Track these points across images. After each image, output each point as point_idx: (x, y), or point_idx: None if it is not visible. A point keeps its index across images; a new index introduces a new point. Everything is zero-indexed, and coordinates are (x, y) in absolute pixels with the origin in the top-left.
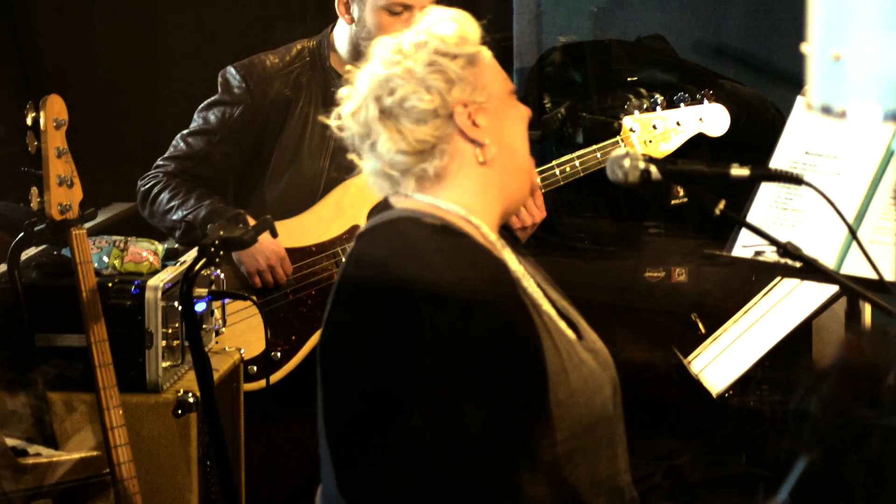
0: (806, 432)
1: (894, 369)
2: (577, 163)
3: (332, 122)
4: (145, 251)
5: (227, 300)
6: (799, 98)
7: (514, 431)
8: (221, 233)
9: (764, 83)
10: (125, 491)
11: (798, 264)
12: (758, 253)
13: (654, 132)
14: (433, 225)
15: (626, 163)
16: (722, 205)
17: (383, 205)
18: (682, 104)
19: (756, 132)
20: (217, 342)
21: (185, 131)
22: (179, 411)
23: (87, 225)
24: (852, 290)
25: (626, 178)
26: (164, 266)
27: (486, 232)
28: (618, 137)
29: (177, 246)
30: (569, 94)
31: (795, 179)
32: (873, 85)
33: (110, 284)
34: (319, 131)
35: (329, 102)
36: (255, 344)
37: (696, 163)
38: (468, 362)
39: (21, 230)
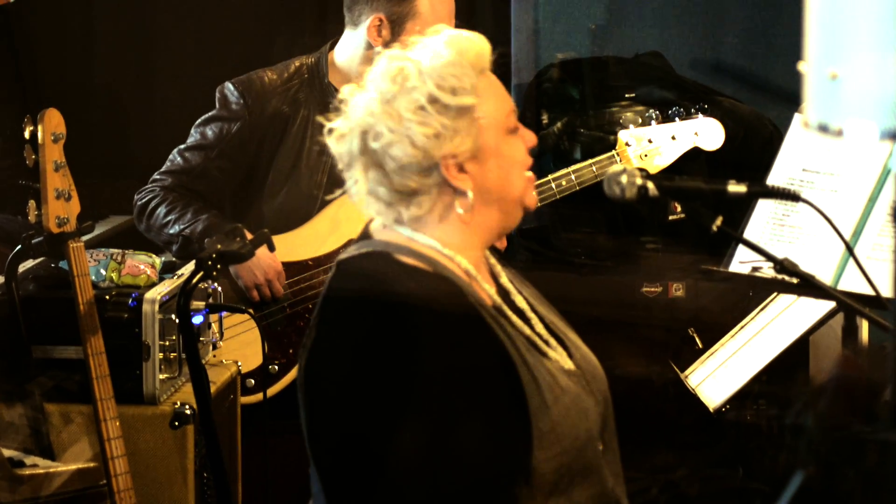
0: (803, 447)
1: (891, 384)
2: (572, 176)
3: (325, 136)
4: (142, 264)
5: (224, 313)
6: (796, 115)
7: (495, 459)
8: (219, 246)
9: (761, 100)
10: (122, 502)
11: (795, 280)
12: (755, 269)
13: (649, 146)
14: (402, 262)
15: (624, 179)
16: (719, 221)
17: (364, 233)
18: (677, 118)
19: (753, 149)
20: (214, 355)
21: (182, 146)
22: (176, 423)
23: (85, 238)
24: (849, 306)
25: (623, 195)
26: (161, 279)
27: (464, 266)
28: (613, 151)
29: (174, 259)
30: (566, 111)
31: (793, 196)
32: (870, 103)
33: (108, 297)
34: (317, 147)
35: (327, 118)
36: (253, 357)
37: (694, 179)
38: (442, 392)
39: (19, 243)
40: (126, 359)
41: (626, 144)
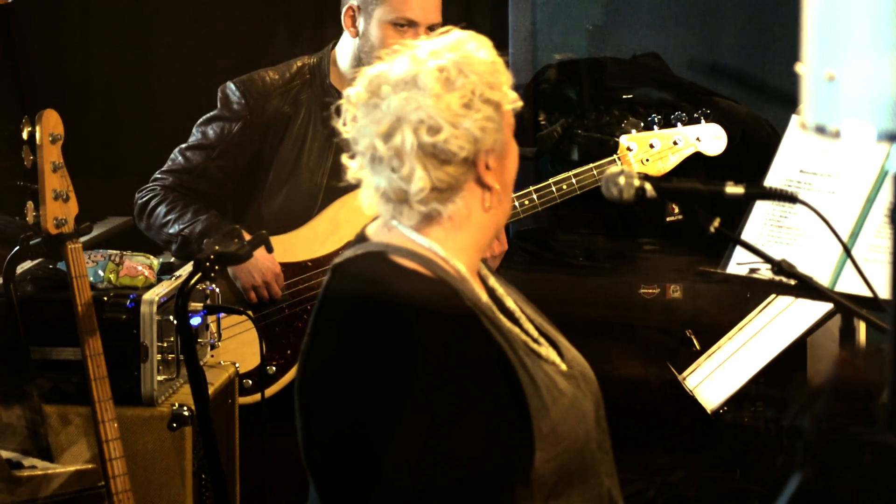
0: (800, 449)
1: (888, 386)
2: (573, 181)
3: (346, 130)
4: (140, 265)
5: (222, 314)
6: (794, 116)
7: (493, 461)
8: (217, 247)
9: (759, 101)
10: None
11: (793, 282)
12: (752, 270)
13: (651, 151)
14: (398, 263)
15: (622, 180)
16: (717, 222)
17: (360, 235)
18: (679, 123)
19: (751, 150)
20: (212, 356)
21: (183, 145)
22: (174, 424)
23: (83, 239)
24: (847, 307)
25: (621, 196)
26: (159, 280)
27: (458, 267)
28: (615, 156)
29: (172, 260)
30: (564, 112)
31: (790, 197)
32: (867, 105)
33: (106, 298)
34: (318, 148)
35: (328, 119)
36: (251, 358)
37: (691, 180)
38: (434, 393)
39: (17, 244)
40: (124, 360)
41: (628, 149)
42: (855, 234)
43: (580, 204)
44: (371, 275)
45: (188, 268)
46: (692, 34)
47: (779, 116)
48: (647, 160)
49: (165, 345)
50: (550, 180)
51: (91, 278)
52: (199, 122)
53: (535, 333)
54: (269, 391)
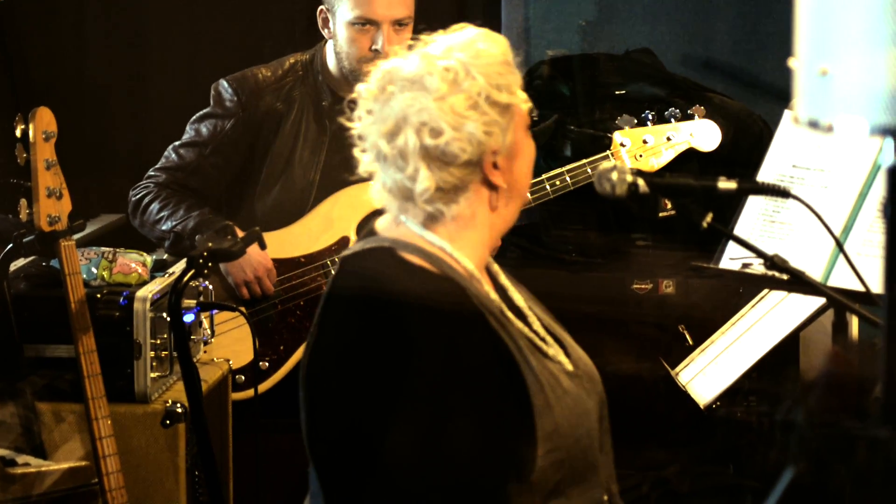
0: (793, 443)
1: (881, 380)
2: (567, 177)
3: (355, 126)
4: (134, 262)
5: (215, 311)
6: (786, 112)
7: (497, 458)
8: (210, 244)
9: (752, 97)
10: (114, 501)
11: (785, 277)
12: (745, 265)
13: (644, 147)
14: (405, 260)
15: (614, 176)
16: (709, 218)
17: (369, 230)
18: (672, 119)
19: (743, 146)
20: (205, 352)
21: (176, 143)
22: (168, 421)
23: (76, 236)
24: (839, 302)
25: (613, 191)
26: (152, 277)
27: (467, 266)
28: (608, 152)
29: (165, 257)
30: (557, 108)
31: (783, 192)
32: (860, 99)
33: (99, 296)
34: (310, 144)
35: (321, 116)
36: (244, 354)
37: (684, 176)
38: (442, 391)
39: (10, 241)
40: (117, 357)
41: (621, 145)
42: (847, 229)
43: (573, 199)
44: (379, 270)
45: (181, 265)
46: (685, 30)
47: (771, 112)
48: (641, 156)
49: (159, 342)
50: (543, 176)
51: (84, 276)
52: (192, 119)
53: (543, 332)
54: (263, 387)
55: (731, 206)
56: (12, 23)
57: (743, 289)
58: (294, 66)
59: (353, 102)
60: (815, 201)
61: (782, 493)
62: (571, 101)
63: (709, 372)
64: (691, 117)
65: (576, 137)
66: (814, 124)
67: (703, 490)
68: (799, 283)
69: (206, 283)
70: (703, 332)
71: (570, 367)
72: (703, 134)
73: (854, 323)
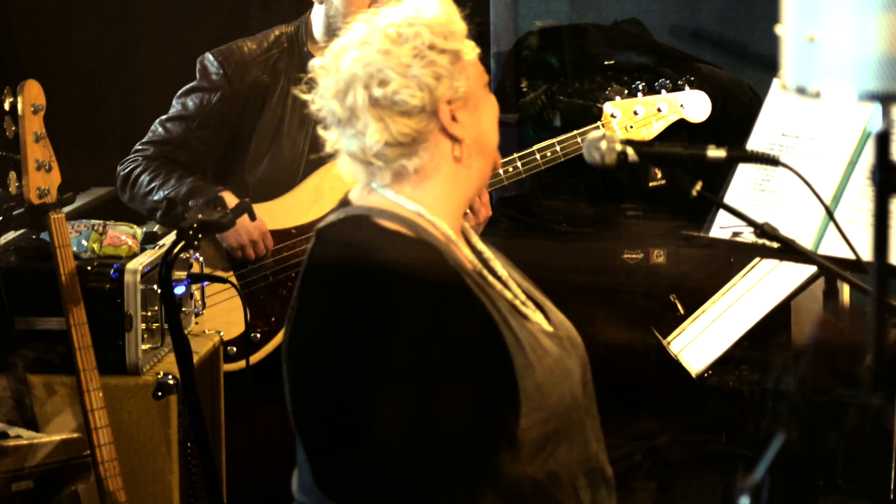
0: (784, 411)
1: (871, 348)
2: (557, 147)
3: (307, 96)
4: (124, 235)
5: (206, 283)
6: (775, 80)
7: (480, 421)
8: (200, 216)
9: (741, 66)
10: (106, 472)
11: (776, 245)
12: (735, 234)
13: (635, 118)
14: (381, 225)
15: (603, 145)
16: (699, 186)
17: (343, 200)
18: (663, 90)
19: (733, 115)
20: (197, 324)
21: (163, 116)
22: (159, 393)
23: (66, 209)
24: (830, 270)
25: (603, 161)
26: (142, 249)
27: (445, 230)
28: (599, 123)
29: (156, 229)
30: (546, 78)
31: (772, 161)
32: (847, 65)
33: (89, 268)
34: (298, 116)
35: (307, 88)
36: (235, 325)
37: (673, 145)
38: (423, 356)
39: None
40: (108, 329)
41: (612, 116)
42: (837, 197)
43: (563, 170)
44: (355, 238)
45: (172, 237)
46: (673, 0)
47: (760, 81)
48: (631, 127)
49: (150, 314)
50: (534, 147)
51: (74, 248)
52: (178, 93)
53: (522, 296)
54: (254, 358)
55: (720, 175)
56: None
57: (734, 257)
58: (279, 38)
59: (313, 80)
60: (805, 169)
61: (773, 459)
62: (560, 72)
63: (700, 341)
64: (681, 88)
65: (565, 108)
66: (801, 90)
67: (694, 459)
68: (789, 251)
69: (197, 254)
70: (695, 301)
71: (549, 328)
72: (694, 105)
73: (845, 291)
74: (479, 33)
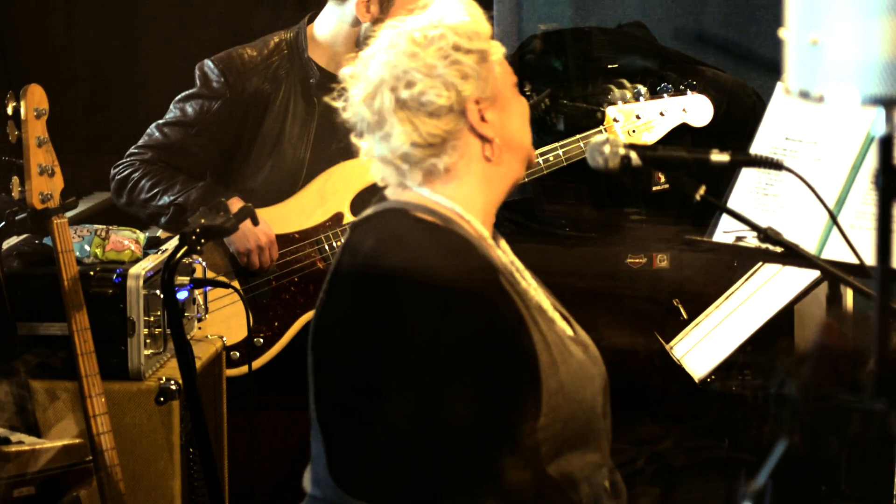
0: (787, 416)
1: (874, 353)
2: (560, 152)
3: (338, 103)
4: (127, 240)
5: (209, 288)
6: (779, 84)
7: (501, 418)
8: (203, 221)
9: (744, 70)
10: (108, 478)
11: (779, 249)
12: (739, 238)
13: (637, 122)
14: (419, 218)
15: (607, 149)
16: (702, 190)
17: (379, 196)
18: (665, 94)
19: (737, 118)
20: (199, 329)
21: (160, 121)
22: (162, 399)
23: (69, 214)
24: (833, 274)
25: (606, 165)
26: (145, 254)
27: (478, 227)
28: (601, 127)
29: (159, 234)
30: (549, 82)
31: (776, 165)
32: (851, 69)
33: (92, 273)
34: (299, 122)
35: (308, 94)
36: (238, 330)
37: (677, 149)
38: (451, 350)
39: (2, 219)
40: (111, 335)
41: (615, 120)
42: (841, 201)
43: (566, 174)
44: (391, 229)
45: (174, 242)
46: (677, 3)
47: (764, 85)
48: (634, 131)
49: (152, 319)
50: (537, 152)
51: (77, 253)
52: (177, 98)
53: (547, 304)
54: (257, 364)
55: (724, 179)
56: (2, 1)
57: (737, 262)
58: (279, 44)
59: (345, 90)
60: (809, 174)
61: (776, 464)
62: (564, 76)
63: (703, 346)
64: (684, 92)
65: (568, 112)
66: (804, 94)
67: (697, 464)
68: (793, 255)
69: (200, 259)
70: (698, 305)
71: (573, 334)
72: (697, 109)
73: (848, 295)
74: None
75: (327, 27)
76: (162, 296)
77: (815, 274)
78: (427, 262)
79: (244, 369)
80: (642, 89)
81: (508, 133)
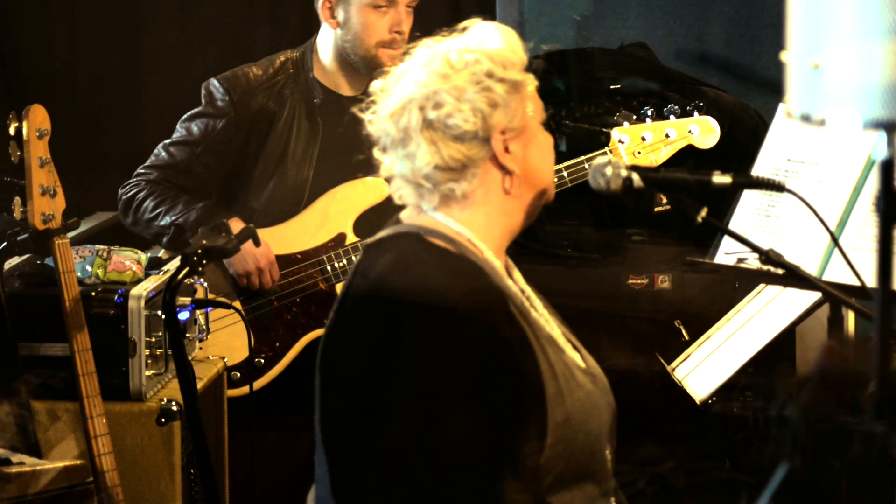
0: (788, 438)
1: (876, 375)
2: (564, 173)
3: (366, 115)
4: (128, 260)
5: (210, 308)
6: (781, 105)
7: (505, 444)
8: (204, 241)
9: (747, 91)
10: (109, 499)
11: (781, 271)
12: (740, 260)
13: (643, 143)
14: (432, 243)
15: (609, 171)
16: (704, 212)
17: (394, 219)
18: (672, 116)
19: (739, 140)
20: (200, 349)
21: (167, 141)
22: (163, 420)
23: (70, 234)
24: (835, 296)
25: (608, 186)
26: (147, 275)
27: (489, 257)
28: (606, 149)
29: (160, 255)
30: (552, 103)
31: (777, 187)
32: (852, 93)
33: (93, 293)
34: (303, 142)
35: (313, 113)
36: (240, 350)
37: (679, 170)
38: (456, 375)
39: (4, 240)
40: (112, 355)
41: (620, 142)
42: (842, 223)
43: (568, 195)
44: (403, 254)
45: (176, 262)
46: (680, 24)
47: (766, 105)
48: (640, 153)
49: (153, 339)
50: None
51: (79, 273)
52: (183, 118)
53: (558, 333)
54: (258, 384)
55: (726, 201)
56: (5, 20)
57: (738, 283)
58: (285, 63)
59: (374, 102)
60: (810, 195)
61: (777, 488)
62: (566, 96)
63: (705, 367)
64: (690, 114)
65: (571, 132)
66: (806, 118)
67: (699, 485)
68: (794, 277)
69: (202, 280)
70: (699, 327)
71: (583, 365)
72: (702, 131)
73: (850, 317)
74: None
75: (326, 46)
76: (163, 316)
77: (816, 296)
78: (437, 287)
79: (245, 390)
80: (648, 110)
81: (530, 167)
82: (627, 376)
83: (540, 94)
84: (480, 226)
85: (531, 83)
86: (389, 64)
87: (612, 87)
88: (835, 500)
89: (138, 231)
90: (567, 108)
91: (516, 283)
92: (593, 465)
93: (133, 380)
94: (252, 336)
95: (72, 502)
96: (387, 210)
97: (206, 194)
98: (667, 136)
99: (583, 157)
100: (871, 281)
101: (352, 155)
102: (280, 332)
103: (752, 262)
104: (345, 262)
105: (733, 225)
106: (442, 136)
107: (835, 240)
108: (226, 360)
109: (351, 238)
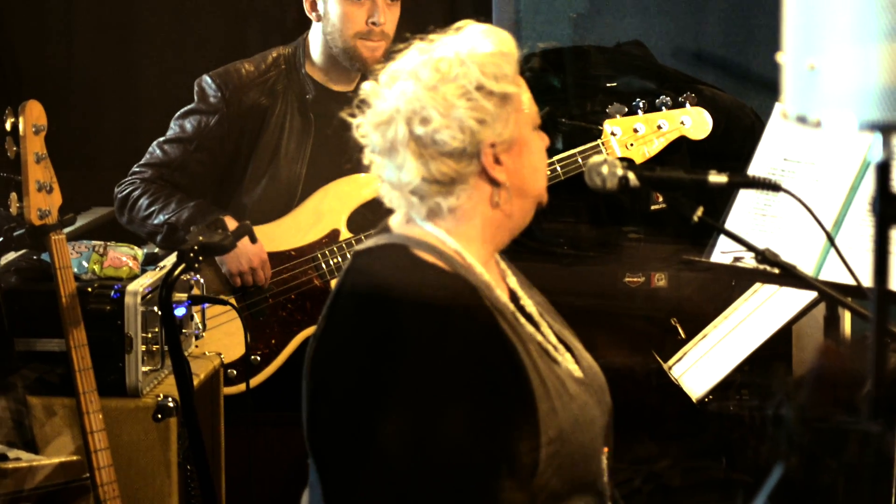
0: (784, 437)
1: (871, 375)
2: (557, 167)
3: (355, 120)
4: (125, 256)
5: (206, 305)
6: (777, 105)
7: (496, 451)
8: (201, 238)
9: (743, 89)
10: (105, 495)
11: (776, 270)
12: (736, 259)
13: (635, 135)
14: (419, 257)
15: (605, 169)
16: (700, 211)
17: (383, 226)
18: (664, 108)
19: (735, 139)
20: (197, 346)
21: (161, 139)
22: (159, 416)
23: (67, 230)
24: (831, 296)
25: (604, 185)
26: (143, 271)
27: (478, 271)
28: (598, 141)
29: (156, 251)
30: (548, 100)
31: (773, 186)
32: (848, 94)
33: (90, 289)
34: (296, 138)
35: (305, 109)
36: (235, 348)
37: (675, 169)
38: (445, 382)
39: (0, 235)
40: (109, 351)
41: (612, 134)
42: (839, 223)
43: (564, 192)
44: (391, 266)
45: (172, 258)
46: (676, 22)
47: (763, 104)
48: (632, 145)
49: (150, 336)
50: None
51: (75, 269)
52: (176, 115)
53: (554, 340)
54: (254, 381)
55: (722, 200)
56: (1, 16)
57: (735, 282)
58: (277, 59)
59: (364, 103)
60: (806, 195)
61: (773, 487)
62: (562, 94)
63: (701, 365)
64: (682, 105)
65: (567, 130)
66: (802, 119)
67: (695, 484)
68: (790, 276)
69: (198, 276)
70: (696, 325)
71: (578, 374)
72: (694, 121)
73: (846, 317)
74: None
75: (315, 42)
76: (160, 312)
77: (812, 295)
78: (423, 300)
79: (241, 387)
80: (640, 102)
81: (521, 178)
82: (624, 374)
83: (536, 93)
84: (470, 238)
85: (525, 91)
86: (369, 56)
87: (608, 85)
88: (831, 500)
89: (134, 229)
90: (563, 106)
91: (510, 290)
92: (588, 477)
93: (129, 376)
94: (248, 333)
95: (68, 498)
96: (380, 206)
97: (201, 191)
98: (659, 127)
99: (575, 150)
100: (867, 280)
101: (345, 151)
102: (276, 328)
103: (749, 261)
104: (339, 258)
105: (729, 224)
106: (430, 151)
107: (831, 239)
108: (222, 356)
109: (345, 234)
